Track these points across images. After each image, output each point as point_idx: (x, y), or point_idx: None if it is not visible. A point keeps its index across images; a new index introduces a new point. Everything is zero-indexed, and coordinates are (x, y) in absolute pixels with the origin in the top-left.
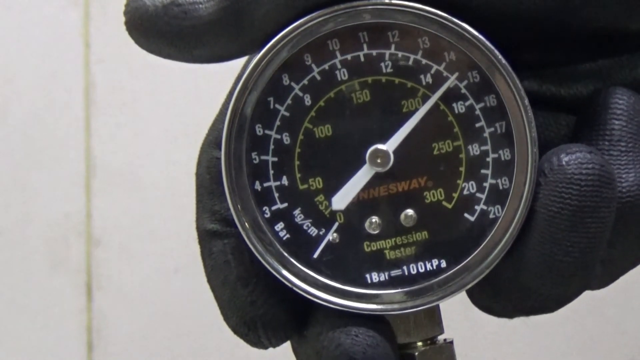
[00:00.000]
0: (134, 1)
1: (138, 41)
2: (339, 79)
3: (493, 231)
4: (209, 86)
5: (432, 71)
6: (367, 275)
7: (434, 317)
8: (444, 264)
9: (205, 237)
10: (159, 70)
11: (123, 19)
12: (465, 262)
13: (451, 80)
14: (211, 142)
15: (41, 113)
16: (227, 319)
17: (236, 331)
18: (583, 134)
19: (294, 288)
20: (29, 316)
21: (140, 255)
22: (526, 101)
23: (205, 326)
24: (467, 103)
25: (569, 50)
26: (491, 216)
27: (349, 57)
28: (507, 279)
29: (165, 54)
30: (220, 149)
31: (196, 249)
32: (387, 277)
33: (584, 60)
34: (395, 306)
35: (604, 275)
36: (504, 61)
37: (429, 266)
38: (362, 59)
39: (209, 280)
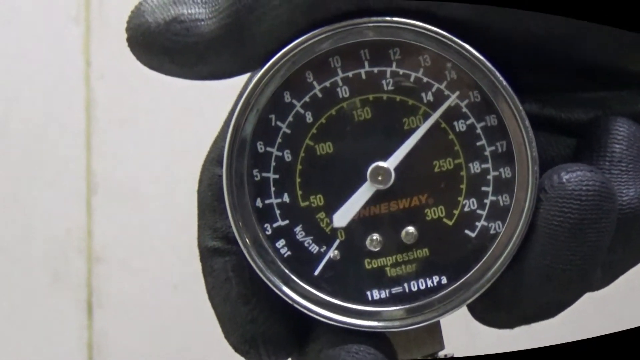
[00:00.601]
0: (136, 17)
1: (139, 58)
2: (341, 96)
3: (493, 246)
4: (211, 103)
5: (433, 89)
6: (368, 292)
7: (434, 334)
8: (444, 280)
9: (207, 255)
10: (160, 87)
11: (125, 35)
12: (465, 277)
13: (452, 99)
14: (213, 160)
15: (42, 129)
16: (228, 336)
17: (237, 348)
18: (584, 155)
19: (295, 305)
20: (30, 333)
21: (141, 271)
22: (527, 122)
23: (206, 343)
24: (468, 122)
25: (570, 79)
26: (492, 232)
27: (350, 74)
28: (507, 291)
29: (167, 71)
30: (221, 167)
31: (197, 265)
32: (387, 294)
33: (584, 89)
34: (396, 323)
35: (604, 277)
36: (504, 83)
37: (429, 283)
38: (364, 76)
39: (210, 298)
